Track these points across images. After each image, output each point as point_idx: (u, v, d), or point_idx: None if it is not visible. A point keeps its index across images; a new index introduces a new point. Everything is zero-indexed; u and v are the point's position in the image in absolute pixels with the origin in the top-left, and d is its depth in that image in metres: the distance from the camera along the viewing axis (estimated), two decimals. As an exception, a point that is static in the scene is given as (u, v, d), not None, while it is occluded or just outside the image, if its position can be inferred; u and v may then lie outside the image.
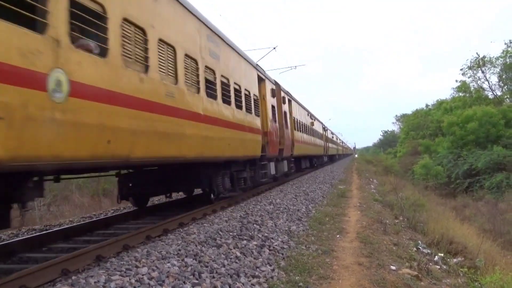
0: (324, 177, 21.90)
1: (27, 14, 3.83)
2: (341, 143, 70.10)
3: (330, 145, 41.12)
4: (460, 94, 54.70)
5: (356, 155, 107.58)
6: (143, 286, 3.97)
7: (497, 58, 49.56)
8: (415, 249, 7.53)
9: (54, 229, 7.68)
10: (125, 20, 5.50)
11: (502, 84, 52.50)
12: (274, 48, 24.09)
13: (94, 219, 9.24)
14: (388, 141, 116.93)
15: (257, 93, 12.63)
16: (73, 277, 4.13)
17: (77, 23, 4.52)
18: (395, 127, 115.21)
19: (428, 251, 7.86)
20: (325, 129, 37.50)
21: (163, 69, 6.53)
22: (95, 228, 7.56)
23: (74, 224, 8.51)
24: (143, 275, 4.22)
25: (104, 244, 5.41)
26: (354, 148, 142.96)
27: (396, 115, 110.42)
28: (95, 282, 3.88)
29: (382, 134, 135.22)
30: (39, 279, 4.19)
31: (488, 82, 52.62)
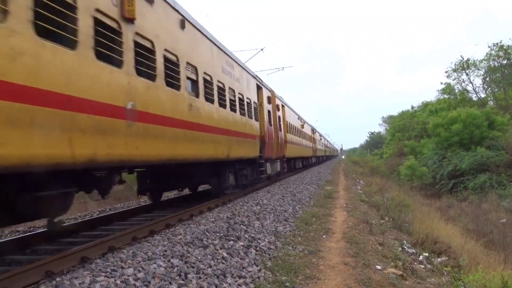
0: (311, 178, 22.00)
1: None
2: (330, 145, 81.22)
3: (327, 149, 64.02)
4: (445, 96, 55.53)
5: (343, 156, 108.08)
6: (129, 287, 3.95)
7: (481, 61, 50.46)
8: (400, 249, 7.60)
9: (39, 231, 7.57)
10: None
11: (486, 87, 53.49)
12: (262, 49, 24.30)
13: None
14: (374, 142, 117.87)
15: (310, 133, 34.61)
16: (57, 279, 4.08)
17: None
18: (381, 129, 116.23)
19: (413, 250, 7.94)
20: (326, 140, 59.69)
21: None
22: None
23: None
24: (128, 276, 4.19)
25: (89, 245, 5.36)
26: (341, 149, 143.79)
27: (383, 117, 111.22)
28: (79, 284, 3.84)
29: (368, 135, 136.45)
30: (22, 281, 4.13)
31: (472, 85, 53.65)
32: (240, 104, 11.92)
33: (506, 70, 48.45)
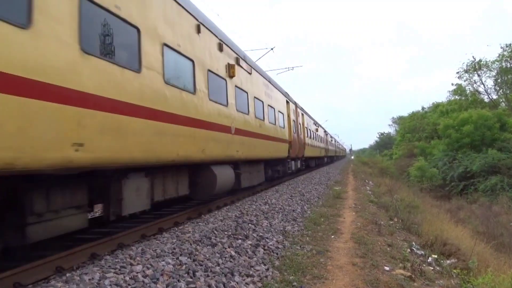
0: (320, 178, 21.93)
1: None
2: (340, 146, 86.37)
3: (339, 150, 75.37)
4: (456, 97, 54.98)
5: (352, 157, 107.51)
6: (138, 283, 3.98)
7: (493, 62, 49.79)
8: (409, 250, 7.55)
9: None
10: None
11: (498, 88, 52.80)
12: (272, 49, 24.29)
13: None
14: (384, 143, 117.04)
15: (333, 141, 52.63)
16: (68, 274, 4.13)
17: None
18: (391, 129, 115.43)
19: (422, 252, 7.89)
20: (337, 142, 70.64)
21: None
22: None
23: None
24: (137, 272, 4.23)
25: (98, 242, 5.41)
26: (351, 149, 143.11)
27: (393, 117, 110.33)
28: (89, 279, 3.89)
29: (378, 136, 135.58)
30: (33, 276, 4.20)
31: (484, 86, 52.96)
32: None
33: (518, 71, 47.80)
